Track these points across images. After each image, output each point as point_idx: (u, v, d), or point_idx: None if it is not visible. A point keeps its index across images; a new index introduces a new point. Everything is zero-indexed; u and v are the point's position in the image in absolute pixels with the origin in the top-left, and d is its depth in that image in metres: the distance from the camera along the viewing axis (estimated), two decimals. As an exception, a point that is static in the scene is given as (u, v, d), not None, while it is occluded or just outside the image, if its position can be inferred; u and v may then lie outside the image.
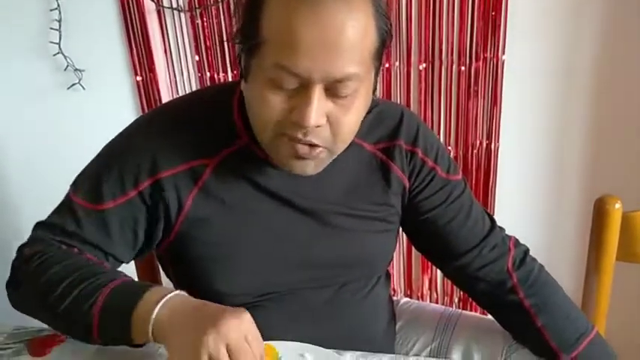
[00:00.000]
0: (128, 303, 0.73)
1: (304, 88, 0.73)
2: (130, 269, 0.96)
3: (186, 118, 0.86)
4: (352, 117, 0.77)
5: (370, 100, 0.81)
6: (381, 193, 0.92)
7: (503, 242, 0.96)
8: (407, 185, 0.92)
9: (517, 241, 0.99)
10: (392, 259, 1.03)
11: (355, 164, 0.90)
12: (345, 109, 0.76)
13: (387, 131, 0.91)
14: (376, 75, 0.80)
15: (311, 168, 0.80)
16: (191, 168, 0.84)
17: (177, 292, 0.74)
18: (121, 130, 0.89)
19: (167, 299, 0.72)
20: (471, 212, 0.95)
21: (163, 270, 0.99)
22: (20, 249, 0.85)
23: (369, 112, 0.87)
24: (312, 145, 0.76)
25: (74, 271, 0.77)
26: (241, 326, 0.68)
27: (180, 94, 1.58)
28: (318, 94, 0.73)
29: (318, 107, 0.73)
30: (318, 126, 0.74)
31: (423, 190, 0.93)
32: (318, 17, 0.69)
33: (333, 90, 0.74)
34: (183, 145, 0.84)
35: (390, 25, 0.78)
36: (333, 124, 0.76)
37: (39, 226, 0.86)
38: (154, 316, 0.70)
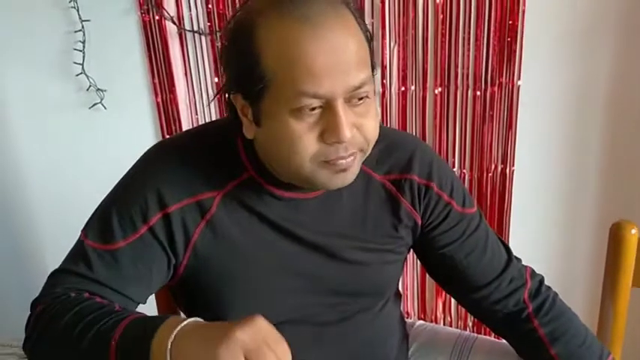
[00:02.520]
0: (145, 335, 0.70)
1: (328, 107, 0.74)
2: (150, 301, 0.95)
3: (191, 152, 0.86)
4: (371, 120, 0.78)
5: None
6: (389, 226, 0.90)
7: (520, 275, 0.95)
8: (419, 220, 0.91)
9: (533, 271, 0.98)
10: (399, 282, 1.03)
11: (363, 194, 0.89)
12: (364, 115, 0.77)
13: (399, 163, 0.90)
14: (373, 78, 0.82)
15: (349, 177, 0.80)
16: (199, 200, 0.83)
17: (194, 319, 0.71)
18: (139, 149, 0.90)
19: (183, 326, 0.68)
20: (487, 246, 0.94)
21: (175, 302, 0.99)
22: (32, 305, 0.83)
23: (378, 142, 0.86)
24: (350, 155, 0.77)
25: (87, 315, 0.75)
26: (256, 331, 0.64)
27: (199, 115, 1.62)
28: (342, 108, 0.74)
29: (347, 120, 0.74)
30: (351, 137, 0.75)
31: (439, 225, 0.92)
32: (323, 39, 0.71)
33: (351, 99, 0.75)
34: (189, 179, 0.84)
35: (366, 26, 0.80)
36: (361, 130, 0.77)
37: (51, 276, 0.85)
38: (169, 344, 0.67)
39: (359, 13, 0.78)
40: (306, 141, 0.75)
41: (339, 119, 0.73)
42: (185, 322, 0.69)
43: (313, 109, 0.74)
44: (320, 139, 0.75)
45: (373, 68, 0.79)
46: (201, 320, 0.72)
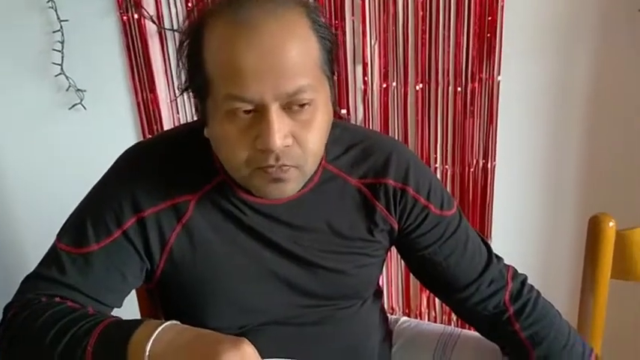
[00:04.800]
0: (121, 339, 0.69)
1: (261, 113, 0.73)
2: (132, 302, 0.96)
3: (166, 155, 0.86)
4: (316, 133, 0.77)
5: (331, 114, 0.80)
6: (364, 230, 0.90)
7: (501, 276, 0.95)
8: (395, 225, 0.91)
9: (515, 272, 0.97)
10: (378, 281, 1.03)
11: (337, 199, 0.89)
12: (307, 125, 0.75)
13: (374, 167, 0.89)
14: (331, 86, 0.80)
15: (288, 190, 0.79)
16: (174, 205, 0.83)
17: (171, 322, 0.71)
18: (120, 149, 0.90)
19: (160, 330, 0.69)
20: (467, 247, 0.93)
21: (155, 304, 0.98)
22: (4, 310, 0.82)
23: (355, 146, 0.87)
24: (283, 166, 0.76)
25: (59, 320, 0.74)
26: (243, 356, 0.65)
27: (180, 114, 1.61)
28: (275, 115, 0.72)
29: (280, 128, 0.72)
30: (286, 146, 0.74)
31: (417, 229, 0.91)
32: (256, 43, 0.70)
33: (289, 106, 0.74)
34: (164, 183, 0.83)
35: (333, 33, 0.78)
36: (299, 142, 0.75)
37: (24, 281, 0.84)
38: (147, 350, 0.67)
39: (319, 19, 0.76)
40: (240, 145, 0.75)
41: (268, 126, 0.72)
42: (162, 326, 0.69)
43: (246, 112, 0.73)
44: (253, 144, 0.74)
45: (332, 75, 0.79)
46: (178, 323, 0.72)
